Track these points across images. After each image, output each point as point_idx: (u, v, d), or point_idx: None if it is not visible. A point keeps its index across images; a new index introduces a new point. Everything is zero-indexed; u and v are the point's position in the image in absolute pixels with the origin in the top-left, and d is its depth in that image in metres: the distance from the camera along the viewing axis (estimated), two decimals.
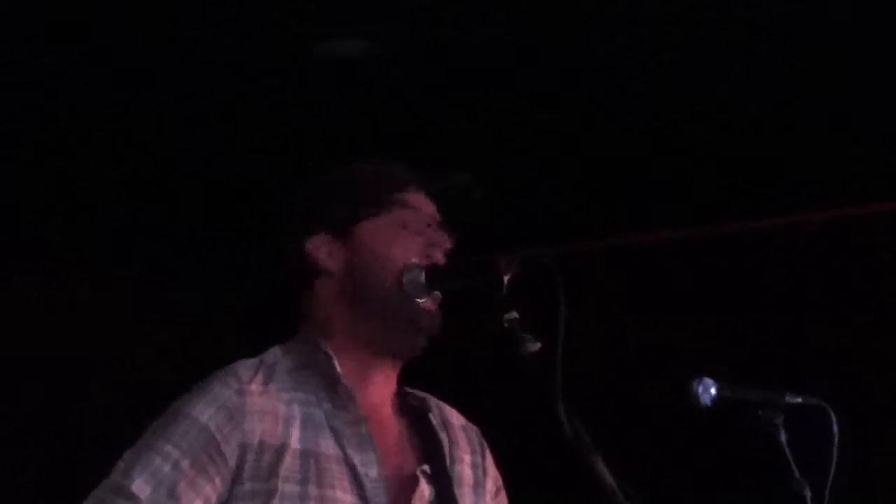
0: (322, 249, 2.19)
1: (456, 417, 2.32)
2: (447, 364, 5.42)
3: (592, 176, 5.06)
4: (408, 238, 2.18)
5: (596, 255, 5.56)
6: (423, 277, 2.14)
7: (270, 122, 4.61)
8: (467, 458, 2.27)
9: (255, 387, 2.11)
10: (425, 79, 4.25)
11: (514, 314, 2.02)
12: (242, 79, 4.23)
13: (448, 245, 2.20)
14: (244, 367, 2.15)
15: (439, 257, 2.17)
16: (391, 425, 2.21)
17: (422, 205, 2.23)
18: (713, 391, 2.34)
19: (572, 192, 5.21)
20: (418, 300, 2.14)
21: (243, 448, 2.07)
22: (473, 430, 2.33)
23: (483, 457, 2.31)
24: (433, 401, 2.31)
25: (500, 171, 4.83)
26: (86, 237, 5.52)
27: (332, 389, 2.15)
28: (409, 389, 2.28)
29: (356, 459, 2.11)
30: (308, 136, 4.67)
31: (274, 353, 2.20)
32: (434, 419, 2.27)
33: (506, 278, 2.04)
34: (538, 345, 1.98)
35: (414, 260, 2.16)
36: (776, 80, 4.23)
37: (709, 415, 2.36)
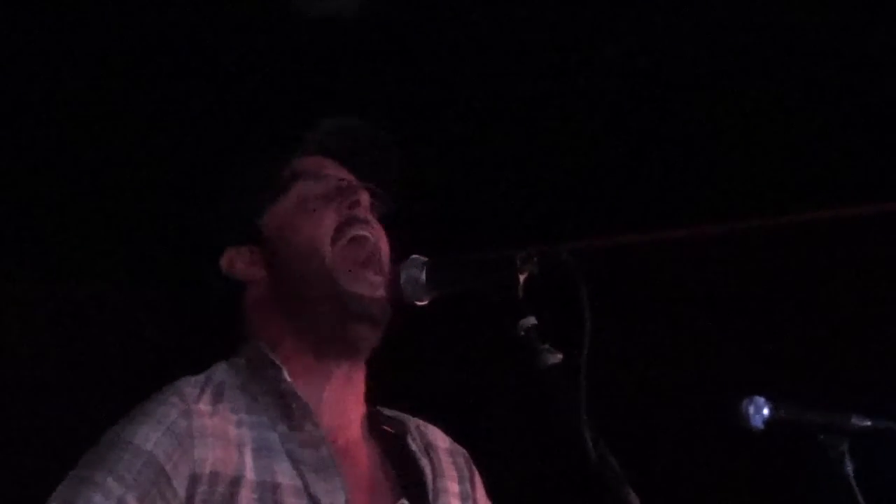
0: (238, 262, 2.20)
1: (441, 439, 2.28)
2: (454, 378, 5.43)
3: (624, 162, 5.05)
4: (317, 213, 2.16)
5: (626, 253, 5.52)
6: (423, 276, 2.10)
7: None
8: (454, 486, 2.23)
9: (203, 406, 2.08)
10: (420, 56, 4.26)
11: (532, 320, 1.96)
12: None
13: (366, 201, 2.17)
14: (189, 384, 2.11)
15: (360, 217, 2.15)
16: (361, 452, 2.15)
17: (321, 167, 2.21)
18: (766, 412, 2.31)
19: (601, 181, 5.20)
20: (417, 302, 2.11)
21: (194, 479, 2.01)
22: (461, 454, 2.29)
23: (472, 485, 2.27)
24: (412, 422, 2.27)
25: (520, 159, 4.84)
26: (53, 246, 5.57)
27: (286, 408, 2.10)
28: (382, 410, 2.25)
29: (318, 489, 2.06)
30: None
31: (221, 370, 2.16)
32: (413, 443, 2.23)
33: (522, 278, 1.99)
34: (559, 356, 1.93)
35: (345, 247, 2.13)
36: (798, 75, 4.30)
37: (761, 439, 2.32)
